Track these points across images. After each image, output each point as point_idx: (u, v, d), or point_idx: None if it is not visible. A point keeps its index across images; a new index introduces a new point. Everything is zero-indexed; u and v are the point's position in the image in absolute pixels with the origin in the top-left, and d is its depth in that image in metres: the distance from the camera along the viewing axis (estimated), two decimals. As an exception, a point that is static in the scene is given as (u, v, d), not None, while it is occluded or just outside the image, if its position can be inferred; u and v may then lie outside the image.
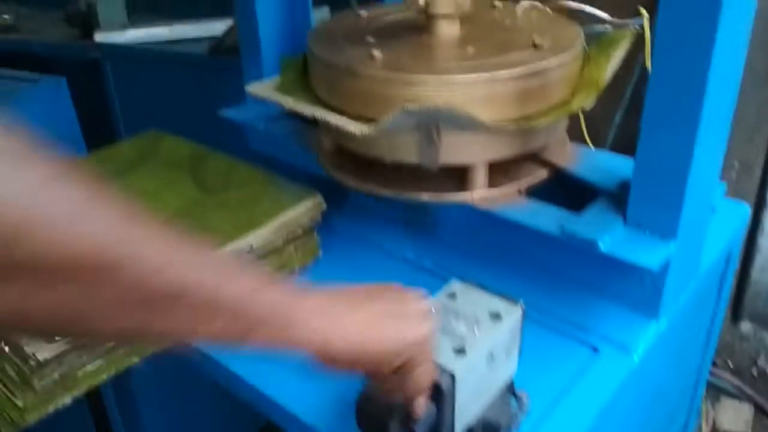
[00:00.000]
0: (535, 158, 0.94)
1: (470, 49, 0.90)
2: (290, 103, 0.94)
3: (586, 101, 0.88)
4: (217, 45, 1.84)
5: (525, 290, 0.85)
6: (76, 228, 0.36)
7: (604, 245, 0.77)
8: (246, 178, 1.01)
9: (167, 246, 0.41)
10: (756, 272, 2.17)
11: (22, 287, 0.35)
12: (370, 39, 0.95)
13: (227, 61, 1.74)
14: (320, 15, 1.91)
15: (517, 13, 1.02)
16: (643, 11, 0.99)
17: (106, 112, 2.11)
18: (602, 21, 0.99)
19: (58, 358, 0.71)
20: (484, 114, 0.83)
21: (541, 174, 0.93)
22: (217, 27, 1.98)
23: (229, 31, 1.81)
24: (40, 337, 0.38)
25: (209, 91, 1.85)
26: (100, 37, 1.99)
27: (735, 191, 2.03)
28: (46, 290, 0.36)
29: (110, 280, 0.38)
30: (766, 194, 2.06)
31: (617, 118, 2.14)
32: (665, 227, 0.79)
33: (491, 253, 0.92)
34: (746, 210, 1.07)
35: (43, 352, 0.71)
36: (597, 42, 0.97)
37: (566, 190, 0.95)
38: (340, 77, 0.88)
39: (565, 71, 0.88)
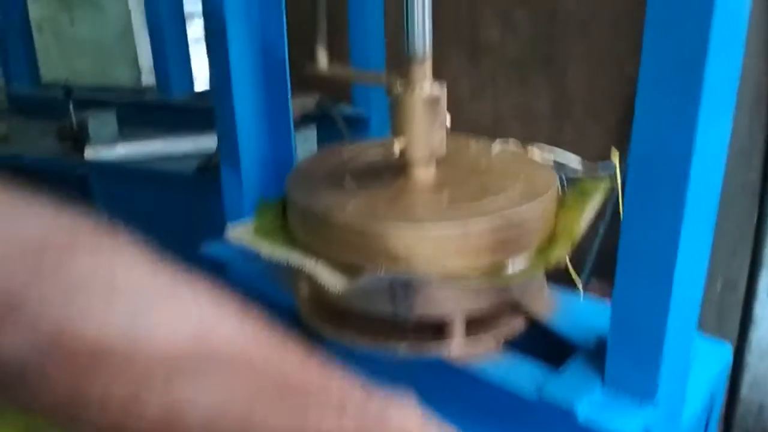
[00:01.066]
0: (512, 306, 0.94)
1: (445, 195, 0.91)
2: (267, 248, 0.95)
3: (561, 253, 0.89)
4: (205, 163, 1.87)
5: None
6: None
7: (582, 412, 0.75)
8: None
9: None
10: (745, 389, 2.13)
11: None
12: (349, 181, 0.96)
13: (215, 179, 1.76)
14: (307, 134, 1.95)
15: (492, 154, 1.04)
16: (614, 155, 1.01)
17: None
18: (574, 166, 1.02)
19: None
20: (460, 263, 0.83)
21: (519, 324, 0.92)
22: (209, 142, 2.01)
23: (218, 150, 1.84)
24: None
25: (197, 209, 1.87)
26: (89, 153, 2.02)
27: (719, 309, 2.03)
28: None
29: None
30: (752, 310, 2.06)
31: (601, 229, 2.16)
32: (644, 388, 0.78)
33: (469, 408, 0.90)
34: (728, 351, 1.06)
35: None
36: (572, 188, 0.99)
37: (545, 338, 0.94)
38: (317, 224, 0.89)
39: (540, 218, 0.89)
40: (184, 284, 0.43)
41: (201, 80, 2.44)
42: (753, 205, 1.93)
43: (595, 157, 2.37)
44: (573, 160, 1.01)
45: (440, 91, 0.93)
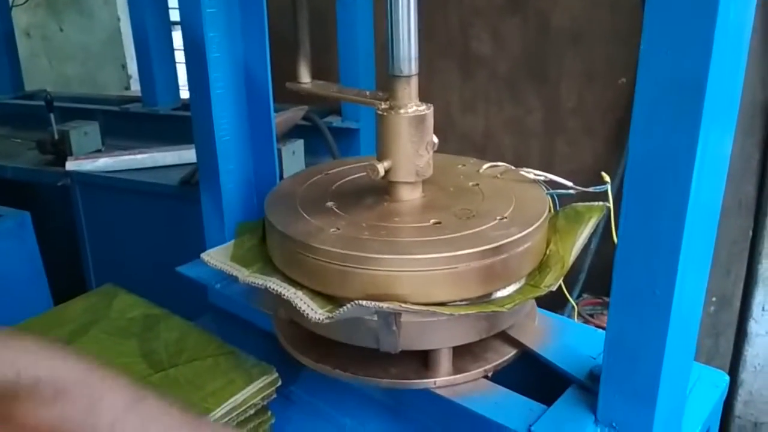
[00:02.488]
0: (502, 335, 0.90)
1: (432, 220, 0.86)
2: (244, 275, 0.90)
3: (552, 282, 0.85)
4: (189, 177, 1.83)
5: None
6: None
7: (574, 452, 0.71)
8: (198, 348, 0.95)
9: None
10: (740, 406, 2.10)
11: None
12: (330, 204, 0.92)
13: (197, 192, 1.72)
14: (295, 147, 1.91)
15: (481, 175, 1.00)
16: (605, 176, 0.97)
17: (73, 238, 2.07)
18: (565, 187, 0.97)
19: None
20: (447, 294, 0.79)
21: (508, 354, 0.88)
22: (193, 154, 1.97)
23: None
24: None
25: (178, 221, 1.82)
26: (71, 165, 1.97)
27: (713, 326, 2.00)
28: None
29: None
30: (746, 327, 2.03)
31: (593, 245, 2.13)
32: (639, 427, 0.74)
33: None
34: (725, 379, 1.02)
35: None
36: (565, 213, 0.95)
37: (537, 368, 0.90)
38: (296, 251, 0.84)
39: (531, 246, 0.85)
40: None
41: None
42: (747, 222, 1.90)
43: (589, 169, 2.33)
44: (565, 184, 0.96)
45: (427, 110, 0.89)
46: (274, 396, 0.91)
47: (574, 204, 0.95)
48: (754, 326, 2.01)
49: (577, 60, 2.14)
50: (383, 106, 0.89)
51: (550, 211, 0.92)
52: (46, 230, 1.77)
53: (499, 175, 1.01)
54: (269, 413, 0.91)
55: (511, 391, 0.83)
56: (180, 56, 2.50)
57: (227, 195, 1.16)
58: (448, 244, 0.80)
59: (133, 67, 4.30)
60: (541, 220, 0.86)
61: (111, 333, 0.99)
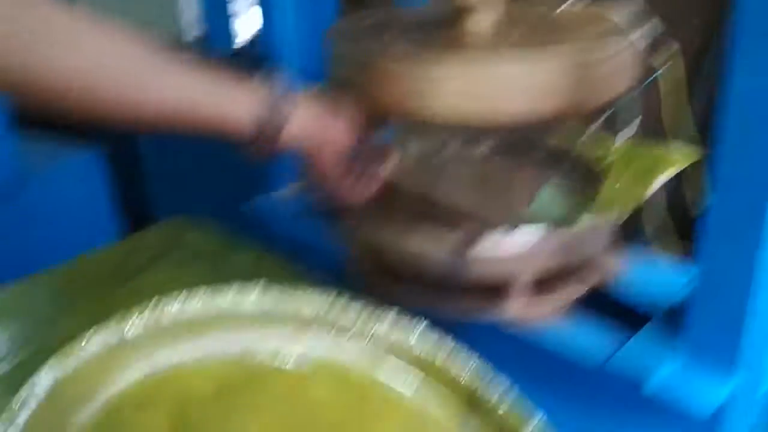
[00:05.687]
0: (578, 269, 0.87)
1: (508, 41, 0.82)
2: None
3: (625, 210, 0.82)
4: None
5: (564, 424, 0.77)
6: None
7: (653, 386, 0.69)
8: (271, 274, 0.95)
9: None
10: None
11: None
12: (396, 32, 0.88)
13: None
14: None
15: (562, 11, 0.93)
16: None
17: (137, 174, 2.10)
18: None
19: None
20: (523, 105, 0.74)
21: (584, 288, 0.86)
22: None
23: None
24: None
25: (244, 162, 1.83)
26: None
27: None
28: None
29: None
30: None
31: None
32: (724, 362, 0.71)
33: (528, 376, 0.85)
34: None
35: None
36: (646, 152, 0.90)
37: (615, 303, 0.88)
38: (363, 62, 0.81)
39: (621, 62, 0.78)
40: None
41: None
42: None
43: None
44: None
45: None
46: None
47: (656, 145, 0.90)
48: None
49: None
50: None
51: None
52: (112, 172, 1.82)
53: (578, 10, 0.92)
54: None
55: (587, 325, 0.81)
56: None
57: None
58: (527, 53, 0.75)
59: (185, 17, 4.29)
60: (625, 44, 0.79)
61: (184, 261, 1.01)
